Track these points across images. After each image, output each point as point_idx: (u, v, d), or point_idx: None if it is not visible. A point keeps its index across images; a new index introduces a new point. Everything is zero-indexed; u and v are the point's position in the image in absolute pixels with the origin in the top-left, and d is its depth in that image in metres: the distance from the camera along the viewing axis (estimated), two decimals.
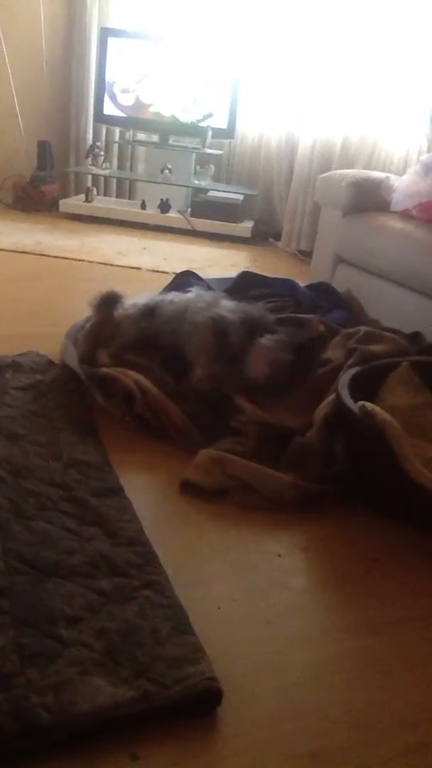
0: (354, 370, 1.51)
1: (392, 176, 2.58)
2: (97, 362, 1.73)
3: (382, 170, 3.19)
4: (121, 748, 0.80)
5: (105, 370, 1.66)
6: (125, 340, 1.76)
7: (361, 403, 1.33)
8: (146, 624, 0.96)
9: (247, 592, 1.11)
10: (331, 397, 1.49)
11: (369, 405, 1.32)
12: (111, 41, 4.01)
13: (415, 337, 1.92)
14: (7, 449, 1.38)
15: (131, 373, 1.64)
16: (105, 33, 4.04)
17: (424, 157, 2.67)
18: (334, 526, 1.32)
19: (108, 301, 1.84)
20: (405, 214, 2.40)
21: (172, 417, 1.54)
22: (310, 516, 1.34)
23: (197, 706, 0.86)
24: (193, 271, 2.41)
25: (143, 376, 1.63)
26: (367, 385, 1.48)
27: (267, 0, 3.89)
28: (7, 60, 4.03)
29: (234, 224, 3.99)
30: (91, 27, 4.13)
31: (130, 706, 0.83)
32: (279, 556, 1.21)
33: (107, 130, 4.37)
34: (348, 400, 1.37)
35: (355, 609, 1.11)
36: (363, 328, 1.77)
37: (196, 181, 4.23)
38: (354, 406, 1.34)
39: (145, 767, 0.79)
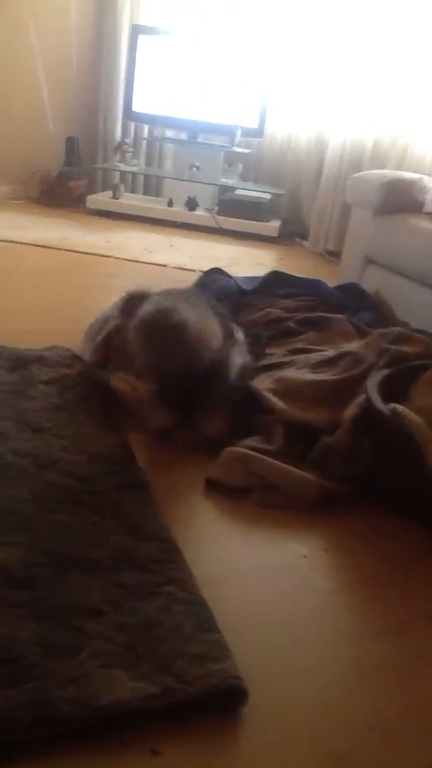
0: (384, 372, 1.48)
1: (426, 177, 2.55)
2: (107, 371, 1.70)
3: (415, 172, 3.14)
4: (142, 744, 0.79)
5: (116, 386, 1.62)
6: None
7: (391, 405, 1.31)
8: (169, 619, 0.95)
9: (271, 592, 1.09)
10: (361, 397, 1.46)
11: (399, 407, 1.30)
12: (141, 38, 4.02)
13: None
14: (32, 442, 1.37)
15: (140, 387, 1.59)
16: (136, 30, 4.05)
17: None
18: (358, 526, 1.30)
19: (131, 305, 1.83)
20: None
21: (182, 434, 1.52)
22: (335, 516, 1.32)
23: (220, 705, 0.85)
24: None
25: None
26: (396, 387, 1.45)
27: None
28: (37, 56, 4.06)
29: (261, 223, 3.98)
30: (122, 24, 4.14)
31: (152, 702, 0.82)
32: (304, 556, 1.19)
33: (136, 127, 4.38)
34: (378, 402, 1.34)
35: (380, 611, 1.09)
36: (395, 329, 1.75)
37: (224, 180, 4.22)
38: (384, 407, 1.32)
39: (166, 764, 0.78)
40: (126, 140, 4.27)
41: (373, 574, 1.17)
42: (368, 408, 1.39)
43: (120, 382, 1.61)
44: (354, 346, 1.73)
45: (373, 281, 2.46)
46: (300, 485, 1.33)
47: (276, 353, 1.81)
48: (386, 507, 1.35)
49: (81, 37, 4.16)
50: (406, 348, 1.64)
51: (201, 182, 4.11)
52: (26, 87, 4.14)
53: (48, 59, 4.12)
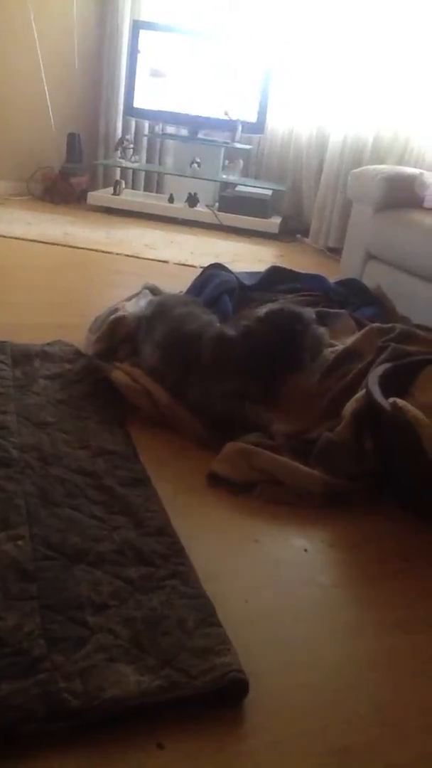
0: (385, 366, 1.49)
1: (426, 172, 2.55)
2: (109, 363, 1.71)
3: (415, 167, 3.14)
4: (147, 737, 0.79)
5: (117, 378, 1.62)
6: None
7: (392, 399, 1.31)
8: (172, 614, 0.96)
9: (273, 587, 1.10)
10: (361, 392, 1.47)
11: (400, 402, 1.30)
12: (143, 34, 4.01)
13: None
14: (36, 437, 1.38)
15: (141, 380, 1.60)
16: (137, 26, 4.04)
17: None
18: (362, 523, 1.30)
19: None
20: None
21: (185, 426, 1.54)
22: (338, 512, 1.32)
23: (223, 698, 0.85)
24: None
25: (155, 383, 1.60)
26: (398, 382, 1.45)
27: None
28: (39, 52, 4.05)
29: (262, 219, 3.98)
30: (123, 19, 4.14)
31: (157, 695, 0.82)
32: (305, 551, 1.20)
33: (137, 123, 4.37)
34: (379, 396, 1.35)
35: (384, 607, 1.09)
36: (398, 326, 1.75)
37: (225, 176, 4.22)
38: (385, 402, 1.32)
39: (170, 756, 0.78)
40: (127, 136, 4.27)
41: (377, 571, 1.18)
42: (369, 402, 1.40)
43: (120, 375, 1.61)
44: (351, 341, 1.73)
45: (373, 277, 2.46)
46: (305, 481, 1.34)
47: None
48: (395, 504, 1.35)
49: (82, 33, 4.16)
50: (409, 346, 1.65)
51: (202, 178, 4.12)
52: (28, 83, 4.13)
53: (50, 55, 4.11)
